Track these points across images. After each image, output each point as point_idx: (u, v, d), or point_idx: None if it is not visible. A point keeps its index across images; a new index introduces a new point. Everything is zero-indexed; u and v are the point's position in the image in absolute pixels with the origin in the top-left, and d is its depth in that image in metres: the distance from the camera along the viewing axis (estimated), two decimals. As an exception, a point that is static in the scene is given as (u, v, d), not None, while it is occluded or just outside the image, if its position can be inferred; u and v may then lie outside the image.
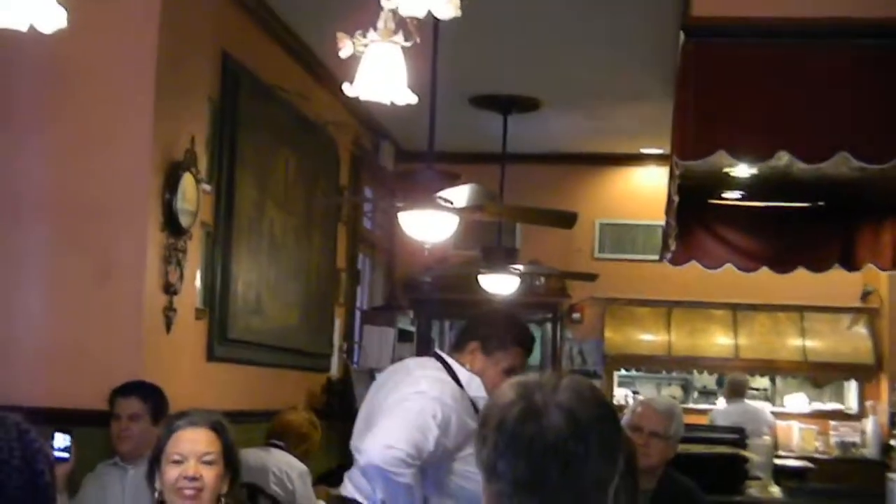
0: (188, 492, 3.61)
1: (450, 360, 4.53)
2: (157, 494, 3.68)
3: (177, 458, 3.65)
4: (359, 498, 4.50)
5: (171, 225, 6.23)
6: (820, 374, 12.81)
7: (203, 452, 3.66)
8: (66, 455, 4.95)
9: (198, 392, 6.64)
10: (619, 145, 12.17)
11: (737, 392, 11.56)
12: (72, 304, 6.04)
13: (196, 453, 3.65)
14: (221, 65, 7.65)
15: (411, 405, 4.30)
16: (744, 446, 7.24)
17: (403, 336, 11.69)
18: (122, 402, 5.49)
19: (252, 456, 6.75)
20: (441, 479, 4.38)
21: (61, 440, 4.95)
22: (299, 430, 7.14)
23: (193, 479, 3.62)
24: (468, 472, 4.32)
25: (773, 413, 12.59)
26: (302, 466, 6.91)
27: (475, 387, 4.45)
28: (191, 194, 6.38)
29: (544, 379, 1.94)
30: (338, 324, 10.56)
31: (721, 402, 12.99)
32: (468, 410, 4.35)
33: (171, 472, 3.63)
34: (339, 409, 9.94)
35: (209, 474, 3.65)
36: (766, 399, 13.37)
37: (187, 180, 6.32)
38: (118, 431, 5.49)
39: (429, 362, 4.61)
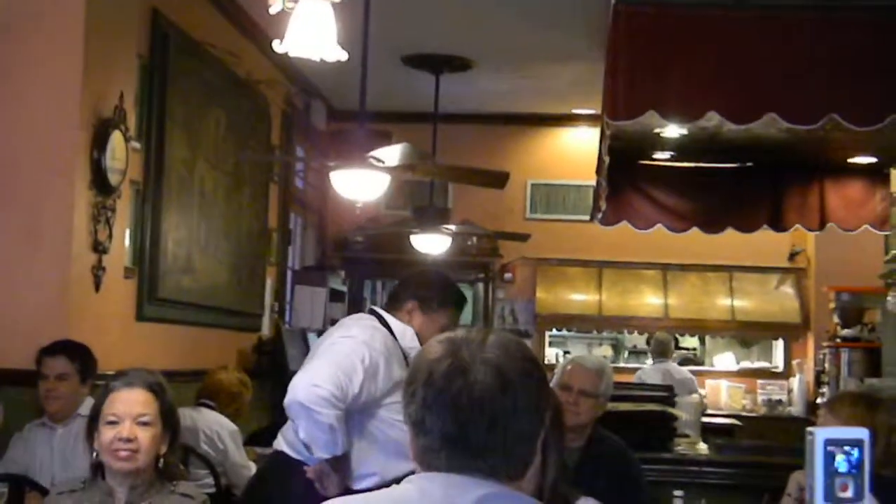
0: (123, 453, 3.59)
1: (384, 314, 4.60)
2: (94, 455, 3.66)
3: (112, 419, 3.62)
4: (288, 451, 4.52)
5: (100, 183, 6.19)
6: (748, 334, 12.96)
7: (138, 414, 3.63)
8: None
9: (127, 352, 6.61)
10: (550, 105, 12.19)
11: (661, 353, 11.62)
12: (-1, 263, 5.99)
13: (131, 414, 3.63)
14: (151, 22, 7.58)
15: (340, 348, 4.35)
16: (672, 404, 7.32)
17: (335, 296, 11.69)
18: (50, 361, 5.46)
19: (182, 416, 6.72)
20: (366, 424, 4.42)
21: None
22: (230, 390, 7.13)
23: (128, 440, 3.59)
24: (393, 419, 4.36)
25: (700, 371, 12.76)
26: (232, 426, 6.91)
27: (409, 338, 4.53)
28: (120, 152, 6.33)
29: (472, 335, 1.95)
30: (269, 283, 10.53)
31: (649, 362, 13.15)
32: (399, 360, 4.42)
33: (107, 433, 3.61)
34: (269, 368, 9.94)
35: (144, 435, 3.62)
36: (695, 358, 13.52)
37: (116, 138, 6.28)
38: (45, 391, 5.46)
39: (364, 316, 4.70)
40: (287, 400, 4.25)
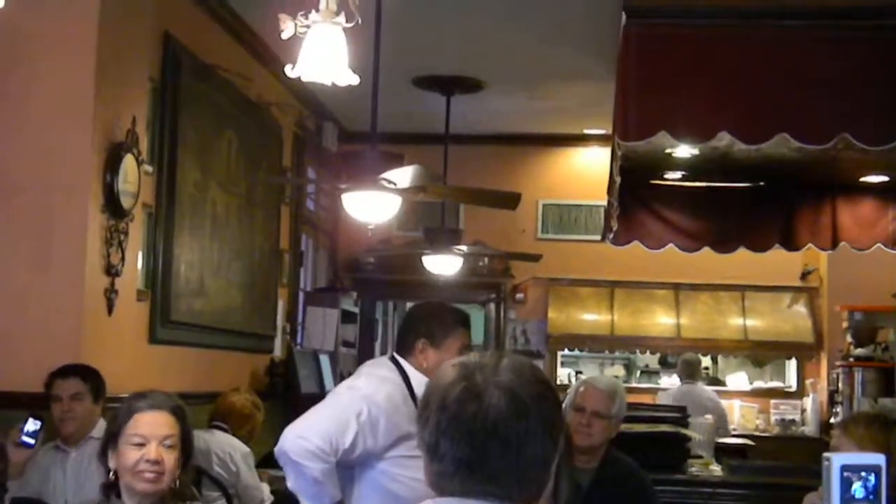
0: (149, 475, 3.59)
1: (403, 363, 4.52)
2: (111, 475, 3.65)
3: (138, 440, 3.61)
4: None
5: (113, 206, 6.20)
6: (760, 353, 12.92)
7: (164, 436, 3.63)
8: (31, 441, 4.91)
9: (140, 375, 6.61)
10: (561, 126, 12.19)
11: (690, 374, 11.10)
12: (12, 287, 6.00)
13: (157, 436, 3.62)
14: (163, 45, 7.60)
15: (338, 399, 4.32)
16: (685, 425, 7.30)
17: (347, 317, 11.69)
18: (62, 383, 5.46)
19: (195, 438, 6.72)
20: (366, 476, 4.35)
21: (32, 425, 4.91)
22: (242, 412, 7.13)
23: (155, 462, 3.59)
24: (396, 473, 4.29)
25: (716, 391, 12.73)
26: (245, 448, 6.91)
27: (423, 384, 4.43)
28: (132, 175, 6.35)
29: (485, 359, 1.95)
30: (281, 305, 10.54)
31: (667, 382, 13.11)
32: (409, 413, 4.29)
33: (132, 455, 3.60)
34: (282, 390, 9.94)
35: (169, 458, 3.62)
36: (708, 377, 13.49)
37: (129, 161, 6.29)
38: (61, 413, 5.46)
39: (381, 363, 4.63)
40: (276, 449, 4.23)
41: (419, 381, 4.40)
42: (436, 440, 1.90)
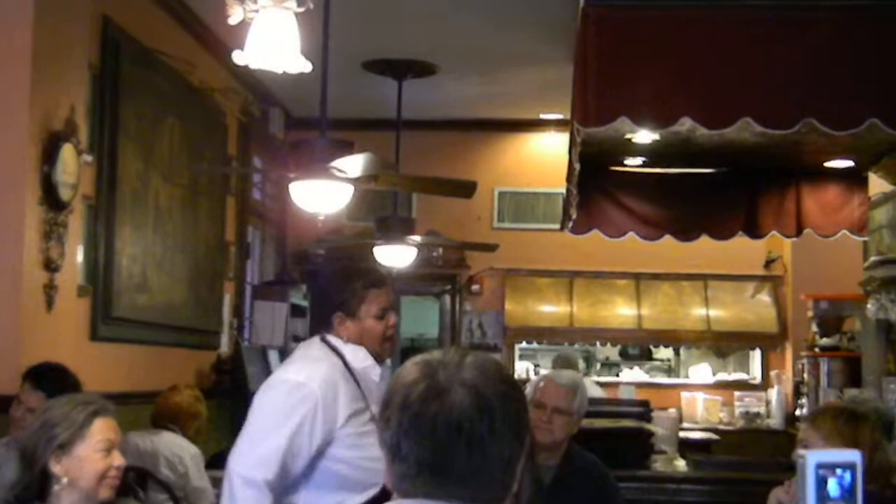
0: (115, 482, 3.63)
1: (334, 341, 4.40)
2: (62, 482, 3.61)
3: (106, 445, 3.63)
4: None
5: (51, 198, 6.16)
6: (724, 344, 13.00)
7: (120, 441, 3.69)
8: None
9: (81, 373, 6.51)
10: (517, 111, 12.22)
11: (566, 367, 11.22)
12: (-55, 283, 5.95)
13: (118, 442, 3.68)
14: (102, 30, 7.57)
15: (274, 408, 4.10)
16: (649, 420, 7.35)
17: (296, 311, 11.66)
18: (30, 393, 5.37)
19: (141, 440, 6.71)
20: (317, 467, 4.20)
21: None
22: (188, 411, 7.10)
23: (120, 468, 3.65)
24: (348, 457, 4.10)
25: (676, 384, 12.84)
26: (194, 449, 6.89)
27: (361, 358, 4.34)
28: (71, 166, 6.31)
29: (448, 357, 1.96)
30: (227, 299, 10.52)
31: (628, 374, 13.19)
32: (348, 391, 4.20)
33: (100, 462, 3.61)
34: (229, 387, 9.92)
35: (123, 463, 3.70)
36: (670, 370, 13.58)
37: (67, 151, 6.25)
38: (17, 419, 5.40)
39: (313, 342, 4.49)
40: (227, 469, 4.05)
41: (351, 353, 4.33)
42: (397, 441, 1.90)
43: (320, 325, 4.48)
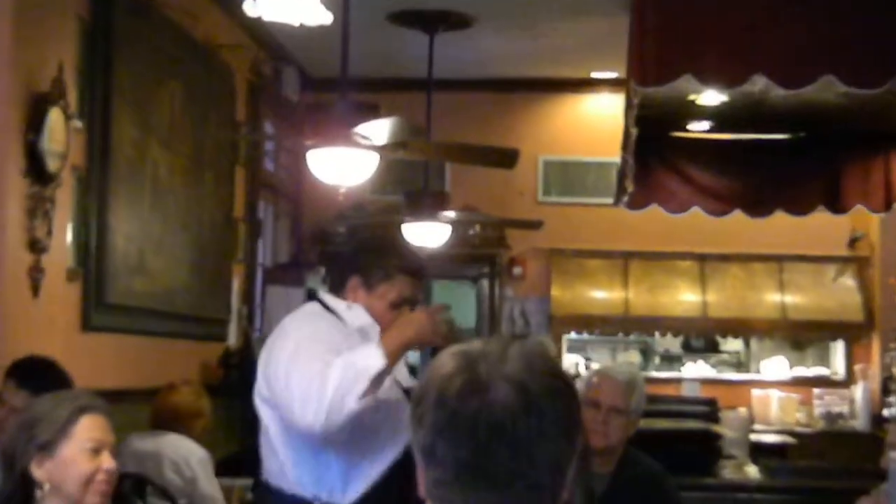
0: (105, 487, 3.63)
1: (327, 298, 4.46)
2: (45, 488, 3.63)
3: (93, 445, 3.64)
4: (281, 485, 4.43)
5: (37, 170, 6.18)
6: (801, 334, 12.95)
7: (112, 444, 3.69)
8: None
9: (72, 367, 6.56)
10: (565, 69, 12.19)
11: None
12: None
13: (110, 443, 3.68)
14: (93, -23, 7.58)
15: (297, 356, 4.21)
16: (716, 420, 7.34)
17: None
18: (14, 391, 5.39)
19: (142, 442, 6.75)
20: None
21: None
22: (190, 410, 7.12)
23: (112, 473, 3.64)
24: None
25: (746, 381, 12.80)
26: (202, 452, 6.92)
27: (356, 315, 4.37)
28: (59, 133, 6.33)
29: (490, 346, 1.95)
30: (236, 284, 10.54)
31: (692, 369, 13.15)
32: (345, 337, 4.28)
33: (87, 463, 3.61)
34: (238, 384, 9.92)
35: (116, 467, 3.71)
36: (740, 364, 13.54)
37: (55, 116, 6.27)
38: (0, 421, 5.42)
39: (304, 307, 4.58)
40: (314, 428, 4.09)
41: (344, 308, 4.37)
42: (432, 441, 1.91)
43: (333, 283, 4.58)
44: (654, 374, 13.00)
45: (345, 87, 6.57)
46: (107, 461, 3.63)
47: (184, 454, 6.81)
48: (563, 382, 1.97)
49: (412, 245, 4.82)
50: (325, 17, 3.71)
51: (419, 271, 4.52)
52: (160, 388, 7.42)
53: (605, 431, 4.85)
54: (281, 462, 4.32)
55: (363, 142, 6.40)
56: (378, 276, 4.41)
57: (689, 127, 8.79)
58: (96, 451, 3.62)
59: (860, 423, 12.35)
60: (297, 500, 4.30)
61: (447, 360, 1.96)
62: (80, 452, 3.62)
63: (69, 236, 7.00)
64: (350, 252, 4.65)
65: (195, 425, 7.09)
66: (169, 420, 7.04)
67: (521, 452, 1.88)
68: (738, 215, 9.19)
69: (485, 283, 12.82)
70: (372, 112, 6.57)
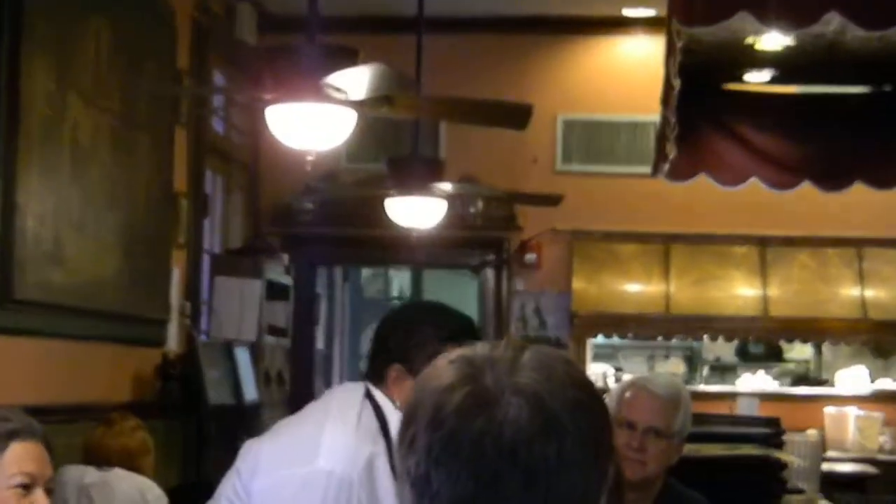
0: None
1: (378, 397, 4.47)
2: None
3: (22, 480, 3.63)
4: None
5: (-73, 132, 6.20)
6: (885, 339, 12.98)
7: (49, 478, 3.68)
8: None
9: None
10: (590, 4, 12.21)
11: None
12: None
13: (44, 476, 3.66)
14: None
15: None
16: (779, 445, 7.35)
17: (275, 291, 11.70)
18: None
19: (85, 474, 6.83)
20: None
21: None
22: (139, 451, 7.20)
23: None
24: None
25: (817, 396, 12.82)
26: (157, 490, 7.04)
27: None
28: (-45, 85, 6.35)
29: (498, 352, 1.94)
30: (176, 275, 10.55)
31: (748, 382, 13.16)
32: (387, 471, 4.30)
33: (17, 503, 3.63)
34: (180, 399, 9.94)
35: None
36: (809, 375, 13.57)
37: (-51, 64, 6.29)
38: None
39: (354, 396, 4.55)
40: None
41: (396, 418, 4.39)
42: (426, 470, 1.89)
43: (371, 371, 4.56)
44: (703, 387, 13.06)
45: (314, 27, 6.57)
46: (41, 500, 3.61)
47: (140, 488, 6.88)
48: (590, 395, 1.95)
49: (451, 310, 4.76)
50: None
51: (470, 331, 4.53)
52: (83, 404, 7.46)
53: (642, 458, 4.86)
54: None
55: (337, 96, 6.40)
56: (421, 357, 4.41)
57: (746, 78, 8.79)
58: (27, 488, 3.62)
59: (959, 449, 12.40)
60: None
61: (445, 368, 1.94)
62: (6, 489, 3.61)
63: (-32, 215, 7.01)
64: (386, 332, 4.63)
65: (144, 464, 7.16)
66: (111, 460, 7.10)
67: (538, 483, 1.87)
68: (807, 189, 9.21)
69: (490, 273, 12.84)
70: (349, 58, 6.55)
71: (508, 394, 1.88)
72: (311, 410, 4.57)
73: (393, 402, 4.41)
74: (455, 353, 1.97)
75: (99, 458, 7.14)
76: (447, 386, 1.91)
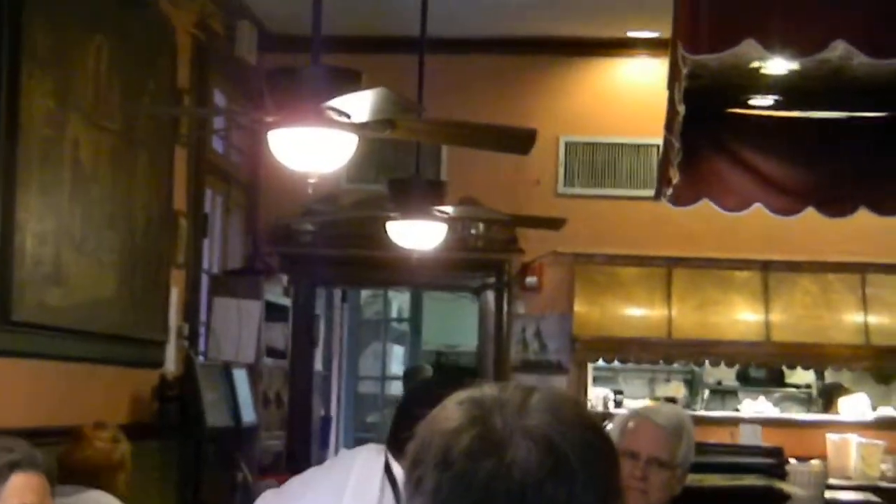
0: None
1: (398, 475, 4.46)
2: None
3: None
4: None
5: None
6: (889, 365, 12.97)
7: None
8: None
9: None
10: (594, 26, 12.21)
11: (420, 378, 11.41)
12: None
13: None
14: None
15: None
16: (782, 475, 7.36)
17: (274, 312, 11.70)
18: None
19: (62, 497, 6.77)
20: None
21: None
22: (106, 463, 7.14)
23: None
24: None
25: (819, 422, 12.80)
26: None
27: None
28: (-45, 105, 6.35)
29: (507, 393, 1.95)
30: (175, 295, 10.55)
31: (750, 407, 13.14)
32: None
33: None
34: (178, 421, 9.94)
35: None
36: (811, 402, 13.55)
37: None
38: None
39: (373, 477, 4.54)
40: None
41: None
42: (433, 513, 1.91)
43: (392, 442, 4.57)
44: (703, 412, 13.01)
45: (316, 47, 6.57)
46: None
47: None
48: (600, 437, 1.96)
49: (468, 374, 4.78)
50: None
51: None
52: (80, 427, 7.42)
53: (645, 489, 4.85)
54: None
55: (338, 118, 6.40)
56: None
57: (751, 102, 8.79)
58: None
59: (965, 478, 12.38)
60: None
61: (453, 410, 1.96)
62: None
63: (-34, 235, 7.01)
64: (406, 405, 4.62)
65: (116, 481, 7.10)
66: (82, 477, 7.05)
67: (548, 527, 1.88)
68: (810, 214, 9.20)
69: (490, 295, 12.83)
70: (351, 80, 6.55)
71: (518, 436, 1.89)
72: (329, 475, 4.57)
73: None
74: (463, 394, 1.97)
75: (68, 472, 7.10)
76: (456, 428, 1.92)
